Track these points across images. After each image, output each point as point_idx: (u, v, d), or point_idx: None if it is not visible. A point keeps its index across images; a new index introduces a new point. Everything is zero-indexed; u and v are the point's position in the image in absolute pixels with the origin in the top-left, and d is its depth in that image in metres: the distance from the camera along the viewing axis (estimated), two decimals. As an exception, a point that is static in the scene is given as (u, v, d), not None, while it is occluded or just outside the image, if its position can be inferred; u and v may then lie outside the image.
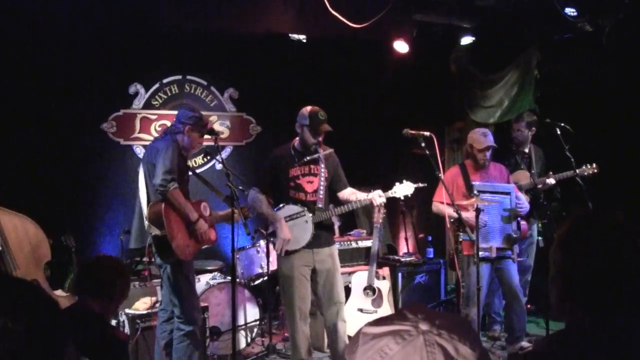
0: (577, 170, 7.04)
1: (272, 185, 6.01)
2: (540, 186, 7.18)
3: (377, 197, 5.95)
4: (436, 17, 8.30)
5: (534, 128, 7.63)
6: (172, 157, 5.57)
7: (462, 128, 9.55)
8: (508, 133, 7.92)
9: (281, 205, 5.95)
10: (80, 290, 3.92)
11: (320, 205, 5.97)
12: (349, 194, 6.19)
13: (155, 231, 5.57)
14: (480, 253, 6.12)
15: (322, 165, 6.03)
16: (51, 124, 7.78)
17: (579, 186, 6.95)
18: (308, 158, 5.93)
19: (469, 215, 6.15)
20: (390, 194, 6.05)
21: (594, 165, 7.10)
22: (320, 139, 5.91)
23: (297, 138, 6.00)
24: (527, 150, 7.66)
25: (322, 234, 5.99)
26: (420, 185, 6.22)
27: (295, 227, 5.89)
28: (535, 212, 7.37)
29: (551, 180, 7.21)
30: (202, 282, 7.03)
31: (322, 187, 6.02)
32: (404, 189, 6.11)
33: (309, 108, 5.91)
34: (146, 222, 5.67)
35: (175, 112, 6.86)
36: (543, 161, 7.73)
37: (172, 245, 5.51)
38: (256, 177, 6.11)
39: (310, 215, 5.90)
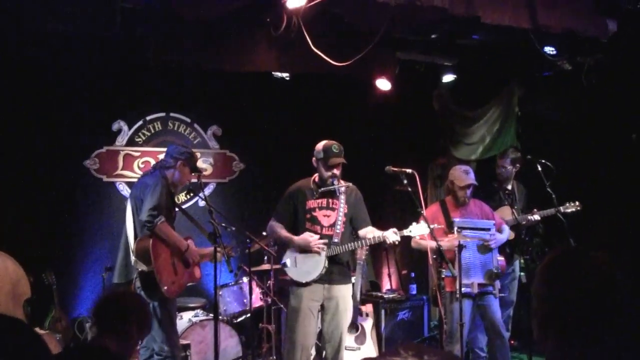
0: (561, 207, 7.09)
1: (290, 216, 6.01)
2: (524, 223, 7.22)
3: (392, 234, 5.85)
4: (418, 55, 8.39)
5: (517, 164, 7.71)
6: (161, 193, 5.64)
7: (444, 164, 9.60)
8: (491, 169, 7.98)
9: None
10: (97, 326, 3.69)
11: (336, 240, 5.89)
12: (368, 231, 6.09)
13: (142, 267, 5.59)
14: (462, 289, 6.14)
15: (342, 200, 6.02)
16: (34, 159, 7.79)
17: (561, 223, 7.00)
18: (323, 189, 5.94)
19: (449, 245, 6.18)
20: (405, 232, 5.94)
21: (577, 202, 7.15)
22: (337, 172, 5.92)
23: (317, 173, 6.05)
24: (510, 187, 7.71)
25: (335, 270, 5.92)
26: (437, 226, 6.24)
27: (308, 259, 5.85)
28: (517, 248, 7.40)
29: (535, 217, 7.25)
30: (185, 319, 7.01)
31: (340, 222, 5.96)
32: (419, 229, 5.98)
33: (324, 142, 5.98)
34: (133, 257, 5.68)
35: (159, 149, 6.90)
36: (526, 197, 7.79)
37: (159, 280, 5.51)
38: (275, 209, 6.08)
39: (325, 248, 5.87)
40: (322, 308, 5.92)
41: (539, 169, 7.07)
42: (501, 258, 6.65)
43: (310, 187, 6.02)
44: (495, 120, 9.01)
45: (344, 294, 5.98)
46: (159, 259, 5.59)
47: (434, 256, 6.18)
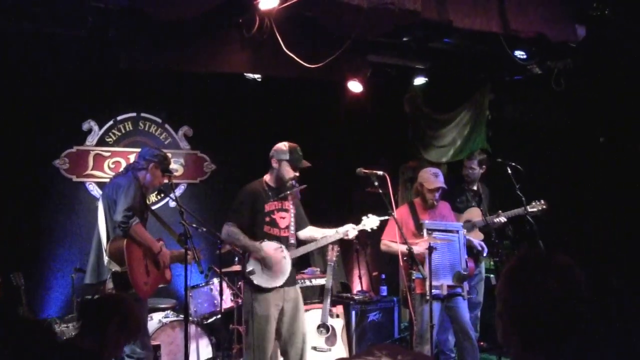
0: (528, 207, 7.17)
1: (247, 219, 5.98)
2: (491, 223, 7.29)
3: (352, 230, 6.11)
4: (390, 58, 8.43)
5: (484, 166, 7.80)
6: (134, 194, 5.66)
7: (415, 167, 9.64)
8: (459, 171, 8.06)
9: (259, 242, 5.93)
10: (78, 325, 3.74)
11: (292, 242, 6.09)
12: (311, 231, 6.32)
13: (115, 267, 5.61)
14: (432, 291, 6.19)
15: (290, 202, 6.16)
16: (2, 159, 7.71)
17: (530, 225, 7.06)
18: (290, 192, 6.04)
19: (420, 250, 6.23)
20: (361, 226, 6.16)
21: (542, 201, 7.24)
22: (297, 174, 6.04)
23: (269, 175, 6.10)
24: (476, 188, 7.79)
25: (293, 272, 6.10)
26: (386, 217, 6.36)
27: (273, 264, 5.92)
28: (487, 250, 7.47)
29: (501, 219, 7.35)
30: (155, 320, 6.99)
31: (293, 223, 6.14)
32: (371, 222, 6.21)
33: (287, 144, 6.05)
34: (106, 258, 5.66)
35: (129, 150, 6.85)
36: (490, 199, 7.86)
37: (132, 282, 5.51)
38: (229, 213, 6.02)
39: (287, 251, 5.98)
40: (281, 311, 5.99)
41: (509, 171, 7.13)
42: (470, 260, 6.72)
43: (264, 189, 6.06)
44: (466, 124, 9.08)
45: (298, 291, 6.17)
46: (132, 260, 5.59)
47: (405, 258, 6.23)
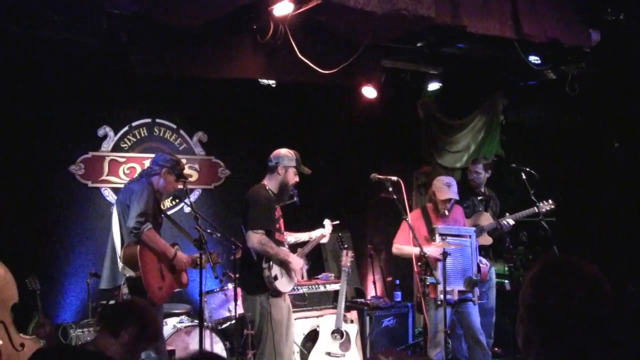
0: (535, 207, 7.13)
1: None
2: (499, 227, 7.24)
3: (328, 225, 6.54)
4: (404, 63, 8.44)
5: (490, 170, 7.74)
6: (147, 199, 5.66)
7: (429, 172, 9.64)
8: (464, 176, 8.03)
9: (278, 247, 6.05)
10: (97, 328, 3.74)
11: (286, 246, 6.22)
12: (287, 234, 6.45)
13: (130, 272, 5.62)
14: (442, 297, 6.18)
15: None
16: (18, 164, 7.74)
17: (545, 230, 7.02)
18: (296, 198, 6.16)
19: (433, 253, 6.24)
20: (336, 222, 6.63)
21: (550, 201, 7.18)
22: (298, 180, 6.17)
23: (269, 180, 6.15)
24: (482, 193, 7.73)
25: None
26: (336, 222, 6.73)
27: (289, 268, 6.08)
28: (500, 254, 7.43)
29: (509, 221, 7.29)
30: (169, 325, 7.00)
31: (283, 229, 6.28)
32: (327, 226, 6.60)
33: (291, 150, 6.14)
34: (120, 264, 5.67)
35: (144, 155, 6.85)
36: (496, 203, 7.81)
37: (146, 287, 5.52)
38: (253, 220, 5.93)
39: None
40: None
41: (523, 177, 7.10)
42: (483, 265, 6.66)
43: (271, 196, 6.11)
44: (480, 129, 9.07)
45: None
46: (146, 265, 5.60)
47: (419, 263, 6.22)
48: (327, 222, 6.62)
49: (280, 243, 6.04)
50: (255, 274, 5.92)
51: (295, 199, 6.17)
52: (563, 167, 8.16)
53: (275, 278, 5.90)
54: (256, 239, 5.82)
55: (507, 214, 7.33)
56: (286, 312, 6.04)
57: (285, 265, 5.99)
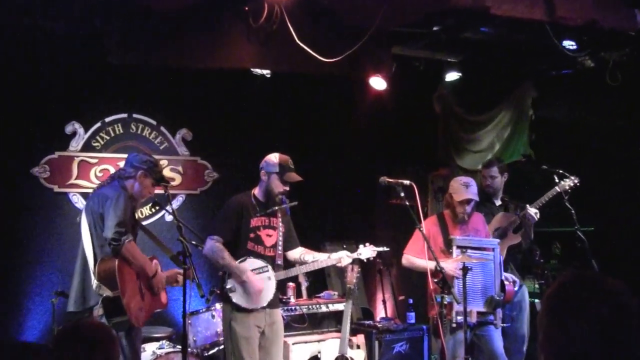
0: (557, 187, 7.08)
1: (232, 234, 6.24)
2: (523, 220, 7.16)
3: (345, 257, 6.45)
4: (418, 51, 8.48)
5: (506, 173, 7.75)
6: (124, 207, 5.66)
7: (447, 176, 9.63)
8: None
9: (243, 258, 6.20)
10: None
11: (279, 262, 6.37)
12: (302, 253, 6.60)
13: (106, 292, 5.57)
14: (459, 318, 6.22)
15: (279, 219, 6.42)
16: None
17: (581, 242, 6.98)
18: (276, 208, 6.30)
19: (450, 266, 6.29)
20: (356, 255, 6.51)
21: (574, 177, 7.12)
22: (287, 188, 6.25)
23: (258, 187, 6.36)
24: (500, 201, 7.71)
25: (277, 294, 6.42)
26: (384, 249, 6.69)
27: (256, 283, 6.17)
28: (526, 269, 7.42)
29: (532, 210, 7.19)
30: (148, 351, 7.01)
31: (280, 242, 6.42)
32: (367, 252, 6.57)
33: (277, 155, 6.29)
34: (95, 282, 5.64)
35: (119, 156, 6.87)
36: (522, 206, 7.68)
37: (126, 308, 5.51)
38: (214, 225, 6.31)
39: (273, 272, 6.26)
40: (262, 335, 6.27)
41: (556, 180, 7.10)
42: (508, 283, 6.64)
43: (252, 203, 6.32)
44: (506, 125, 9.11)
45: (280, 318, 6.48)
46: (125, 283, 5.60)
47: (435, 279, 6.24)
48: (366, 250, 6.60)
49: (256, 255, 6.24)
50: (221, 285, 6.22)
51: (285, 206, 6.33)
52: (602, 170, 8.17)
53: (231, 290, 6.12)
54: (209, 245, 6.16)
55: (527, 205, 7.29)
56: (254, 329, 6.14)
57: (247, 285, 6.12)
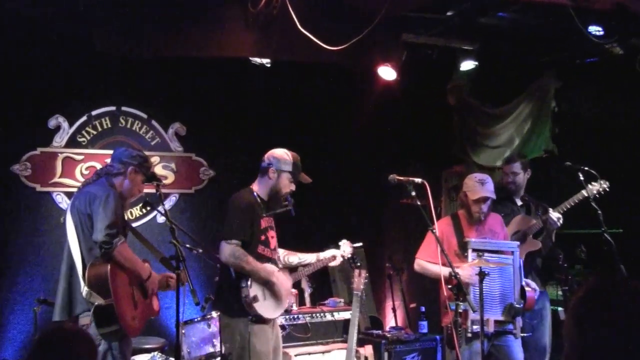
0: (584, 191, 7.03)
1: (250, 237, 6.07)
2: (545, 225, 7.15)
3: (340, 256, 6.49)
4: (430, 37, 8.47)
5: (529, 170, 7.70)
6: (115, 206, 5.59)
7: (462, 173, 9.61)
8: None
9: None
10: None
11: (280, 266, 6.31)
12: (285, 255, 6.51)
13: (98, 300, 5.51)
14: (475, 327, 6.20)
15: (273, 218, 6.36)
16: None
17: (608, 245, 6.94)
18: (287, 209, 6.18)
19: (465, 272, 6.26)
20: (357, 244, 6.61)
21: (603, 181, 7.07)
22: (294, 189, 6.22)
23: (258, 184, 6.23)
24: (521, 200, 7.65)
25: None
26: (359, 245, 6.79)
27: (276, 290, 6.12)
28: (549, 275, 7.40)
29: (554, 215, 7.20)
30: (139, 364, 7.04)
31: (277, 244, 6.37)
32: (345, 248, 6.59)
33: (289, 152, 6.20)
34: (84, 289, 5.58)
35: (107, 152, 6.84)
36: (545, 210, 7.64)
37: (119, 317, 5.48)
38: (229, 228, 6.03)
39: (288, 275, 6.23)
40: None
41: (581, 178, 7.07)
42: (529, 289, 6.59)
43: (257, 202, 6.19)
44: (526, 119, 9.11)
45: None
46: (118, 290, 5.56)
47: (449, 286, 6.23)
48: (344, 243, 6.65)
49: (266, 259, 6.10)
50: (233, 294, 5.99)
51: (290, 208, 6.21)
52: (631, 166, 8.15)
53: (255, 299, 5.94)
54: (229, 250, 5.92)
55: (550, 208, 7.27)
56: (273, 343, 6.11)
57: (269, 286, 6.05)
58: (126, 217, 6.40)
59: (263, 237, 6.10)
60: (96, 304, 5.53)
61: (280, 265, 6.31)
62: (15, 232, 8.23)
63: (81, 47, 7.73)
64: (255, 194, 6.19)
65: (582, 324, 2.17)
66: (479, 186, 6.67)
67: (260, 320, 5.98)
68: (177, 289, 5.59)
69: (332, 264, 6.57)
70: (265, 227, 6.14)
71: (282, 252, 6.48)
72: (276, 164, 6.13)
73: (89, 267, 5.59)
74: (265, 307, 6.00)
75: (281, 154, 6.17)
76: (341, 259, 6.54)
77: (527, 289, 6.57)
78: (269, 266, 6.07)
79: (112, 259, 5.53)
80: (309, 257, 6.48)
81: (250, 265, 5.93)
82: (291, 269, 6.51)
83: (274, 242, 6.27)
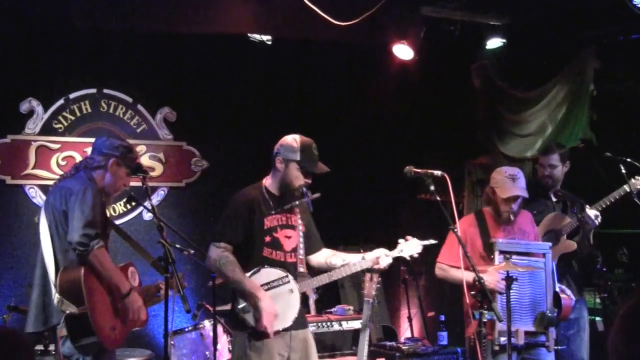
0: (626, 185, 7.01)
1: (242, 238, 5.91)
2: (581, 225, 7.14)
3: (384, 257, 6.02)
4: (452, 12, 8.47)
5: (568, 162, 7.65)
6: (93, 203, 5.58)
7: (487, 165, 9.64)
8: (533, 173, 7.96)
9: (256, 269, 5.87)
10: None
11: (302, 270, 6.04)
12: (328, 256, 6.25)
13: (70, 308, 5.49)
14: (503, 339, 6.19)
15: (299, 215, 6.14)
16: None
17: None
18: (297, 202, 6.03)
19: (490, 277, 6.23)
20: (396, 253, 6.08)
21: None
22: (310, 181, 5.98)
23: (271, 178, 6.10)
24: (557, 195, 7.60)
25: (302, 311, 6.06)
26: (431, 242, 6.31)
27: (276, 299, 5.85)
28: (586, 280, 7.40)
29: (591, 213, 7.14)
30: (123, 379, 7.08)
31: (301, 245, 6.10)
32: (410, 247, 6.13)
33: (297, 138, 5.97)
34: (56, 295, 5.58)
35: (86, 140, 6.86)
36: (582, 207, 7.59)
37: (94, 327, 5.48)
38: (218, 229, 5.97)
39: (296, 282, 5.94)
40: None
41: (623, 171, 7.08)
42: (565, 296, 6.55)
43: (264, 198, 6.02)
44: (561, 103, 9.11)
45: (308, 337, 6.10)
46: (94, 297, 5.54)
47: (472, 292, 6.21)
48: (409, 245, 6.17)
49: (277, 263, 5.94)
50: (232, 304, 5.93)
51: (306, 199, 6.00)
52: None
53: (245, 310, 5.78)
54: (215, 254, 5.83)
55: (587, 205, 7.21)
56: (276, 359, 5.82)
57: (252, 301, 5.74)
58: (109, 215, 6.39)
59: (268, 239, 5.92)
60: (67, 312, 5.50)
61: (302, 269, 6.06)
62: (-18, 230, 8.28)
63: (57, 22, 7.75)
64: (263, 189, 6.03)
65: (633, 337, 2.17)
66: (510, 182, 6.60)
67: (260, 335, 5.78)
68: (167, 295, 5.59)
69: (376, 266, 6.09)
70: (272, 227, 5.95)
71: (325, 253, 6.28)
72: (283, 153, 5.93)
73: (61, 272, 5.58)
74: (255, 319, 5.79)
75: (288, 141, 5.96)
76: (388, 261, 6.08)
77: (561, 295, 6.50)
78: (251, 282, 5.77)
79: (88, 262, 5.50)
80: (354, 258, 6.12)
81: (234, 275, 5.77)
82: (310, 273, 6.24)
83: (291, 243, 6.03)
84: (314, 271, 6.21)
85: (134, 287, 5.90)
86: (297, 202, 6.00)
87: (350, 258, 6.13)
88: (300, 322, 5.96)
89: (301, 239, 6.09)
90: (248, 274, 5.82)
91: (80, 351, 5.56)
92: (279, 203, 5.99)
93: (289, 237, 6.03)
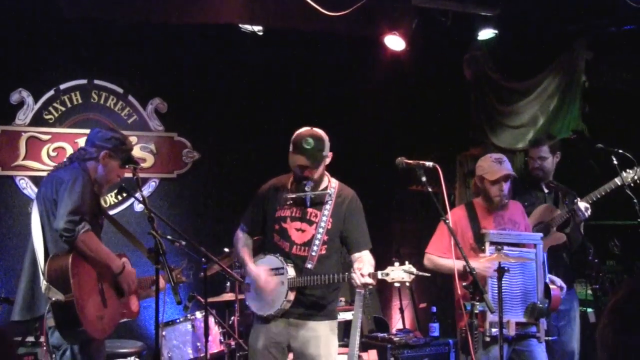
0: (616, 179, 6.97)
1: (260, 224, 6.10)
2: (572, 217, 7.13)
3: (360, 276, 5.78)
4: (444, 2, 8.47)
5: (558, 153, 7.65)
6: (82, 192, 5.55)
7: (479, 156, 9.54)
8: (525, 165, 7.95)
9: (262, 254, 6.04)
10: None
11: (309, 266, 5.93)
12: (358, 261, 6.07)
13: (57, 295, 5.47)
14: (494, 330, 6.19)
15: (327, 211, 6.05)
16: None
17: None
18: (294, 195, 5.97)
19: (482, 266, 6.20)
20: (380, 275, 5.86)
21: (639, 168, 7.03)
22: (307, 174, 5.90)
23: None
24: (548, 187, 7.62)
25: (307, 302, 5.99)
26: (425, 274, 6.08)
27: (270, 286, 5.92)
28: (577, 272, 7.40)
29: (582, 205, 7.11)
30: (114, 370, 7.07)
31: (318, 241, 5.99)
32: (398, 274, 5.87)
33: (306, 129, 6.00)
34: (44, 283, 5.58)
35: (77, 131, 6.82)
36: (574, 199, 7.56)
37: (80, 315, 5.47)
38: (245, 211, 6.16)
39: (292, 274, 5.91)
40: (291, 350, 6.03)
41: (615, 162, 7.07)
42: (554, 287, 6.50)
43: (287, 188, 6.06)
44: (552, 95, 9.11)
45: (321, 333, 6.03)
46: (80, 284, 5.53)
47: (464, 283, 6.20)
48: (402, 270, 5.84)
49: (281, 252, 5.96)
50: None
51: (303, 194, 5.91)
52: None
53: (247, 288, 6.05)
54: (236, 233, 6.18)
55: (578, 198, 7.20)
56: (269, 343, 5.90)
57: (254, 285, 5.96)
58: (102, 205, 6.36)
59: (277, 227, 5.99)
60: (54, 299, 5.48)
61: (310, 266, 5.92)
62: (-28, 221, 8.26)
63: (47, 11, 7.73)
64: (291, 179, 6.07)
65: (622, 329, 2.16)
66: (497, 165, 6.60)
67: (256, 315, 5.98)
68: (157, 286, 5.59)
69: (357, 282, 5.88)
70: (282, 217, 5.98)
71: (362, 256, 6.08)
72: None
73: (50, 259, 5.57)
74: (253, 302, 6.01)
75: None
76: (364, 280, 5.80)
77: (551, 286, 6.47)
78: (254, 272, 5.90)
79: (75, 248, 5.50)
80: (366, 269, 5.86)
81: (239, 255, 6.09)
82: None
83: (303, 237, 5.97)
84: None
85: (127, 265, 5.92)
86: (294, 195, 5.96)
87: (366, 269, 5.84)
88: (299, 312, 5.97)
89: (319, 236, 5.97)
90: (257, 257, 6.04)
91: (67, 340, 5.54)
92: (297, 189, 6.02)
93: (301, 231, 5.99)
